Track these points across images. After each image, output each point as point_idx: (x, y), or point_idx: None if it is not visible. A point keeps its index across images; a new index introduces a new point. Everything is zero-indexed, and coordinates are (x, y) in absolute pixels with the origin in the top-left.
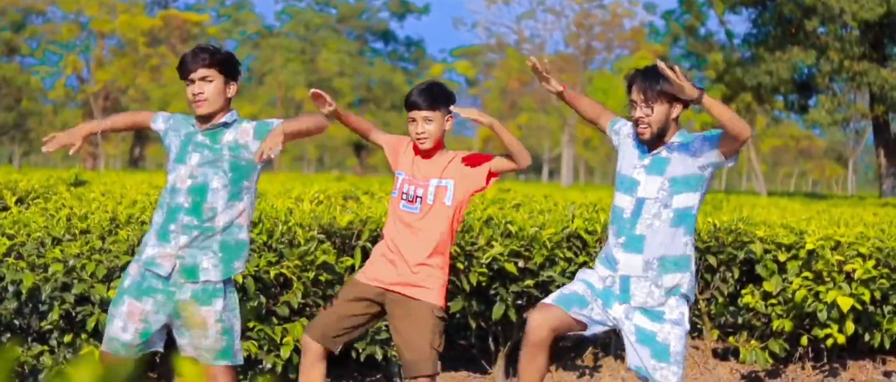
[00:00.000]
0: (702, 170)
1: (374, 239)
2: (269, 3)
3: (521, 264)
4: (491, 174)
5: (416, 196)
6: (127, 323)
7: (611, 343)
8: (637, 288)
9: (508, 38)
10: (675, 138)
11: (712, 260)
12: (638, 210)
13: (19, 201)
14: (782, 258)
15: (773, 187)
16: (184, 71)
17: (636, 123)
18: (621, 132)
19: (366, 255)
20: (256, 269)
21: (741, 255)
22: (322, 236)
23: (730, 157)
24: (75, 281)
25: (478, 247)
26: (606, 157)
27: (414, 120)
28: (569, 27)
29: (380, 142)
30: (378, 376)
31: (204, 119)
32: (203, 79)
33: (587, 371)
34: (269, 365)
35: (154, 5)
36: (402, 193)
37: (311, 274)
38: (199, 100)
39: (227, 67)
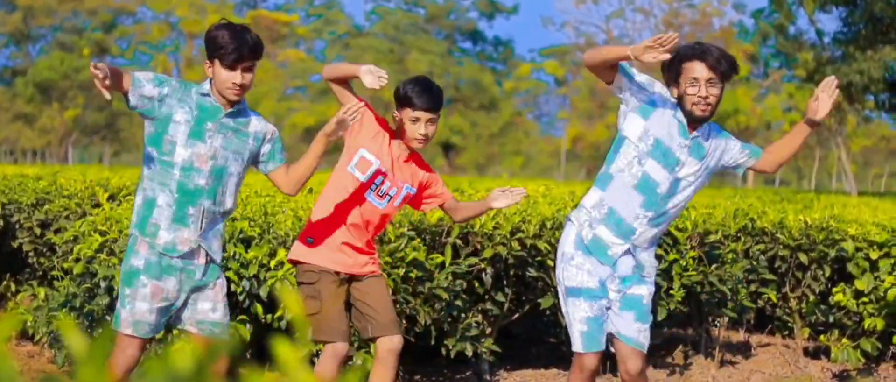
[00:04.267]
0: (720, 165)
1: (464, 236)
2: (358, 3)
3: None
4: (428, 200)
5: (387, 194)
6: (152, 305)
7: (701, 341)
8: (641, 256)
9: (597, 37)
10: (707, 127)
11: (803, 258)
12: (674, 189)
13: (111, 197)
14: (874, 256)
15: (863, 188)
16: (227, 55)
17: (691, 102)
18: (655, 88)
19: (455, 252)
20: None
21: (832, 253)
22: (412, 233)
23: (746, 169)
24: None
25: None
26: None
27: (418, 120)
28: (657, 27)
29: (351, 98)
30: (468, 373)
31: (230, 101)
32: (247, 69)
33: (677, 369)
34: (359, 362)
35: (243, 6)
36: (374, 183)
37: (401, 271)
38: (240, 90)
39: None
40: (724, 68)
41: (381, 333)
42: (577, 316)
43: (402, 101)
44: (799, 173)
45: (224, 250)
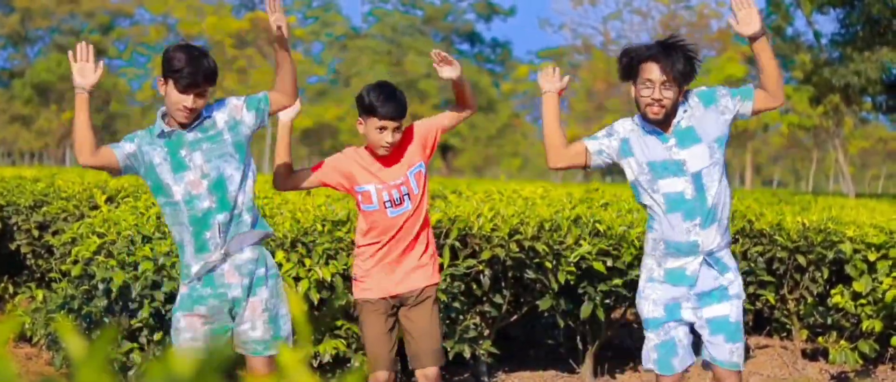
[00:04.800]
0: (728, 125)
1: (462, 238)
2: (355, 4)
3: (609, 263)
4: (443, 131)
5: (403, 196)
6: (195, 334)
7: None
8: (717, 257)
9: (595, 39)
10: (688, 102)
11: (802, 260)
12: (699, 184)
13: (109, 199)
14: (872, 257)
15: (860, 190)
16: (182, 79)
17: (644, 104)
18: (619, 134)
19: (454, 254)
20: (345, 267)
21: (831, 255)
22: None
23: (756, 113)
24: (165, 279)
25: (566, 246)
26: None
27: (384, 128)
28: (655, 28)
29: (317, 181)
30: (466, 375)
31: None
32: (201, 95)
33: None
34: (357, 364)
35: (241, 7)
36: (385, 202)
37: None
38: (188, 113)
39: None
40: (680, 70)
41: (416, 364)
42: (649, 344)
43: (367, 110)
44: (796, 174)
45: (259, 250)
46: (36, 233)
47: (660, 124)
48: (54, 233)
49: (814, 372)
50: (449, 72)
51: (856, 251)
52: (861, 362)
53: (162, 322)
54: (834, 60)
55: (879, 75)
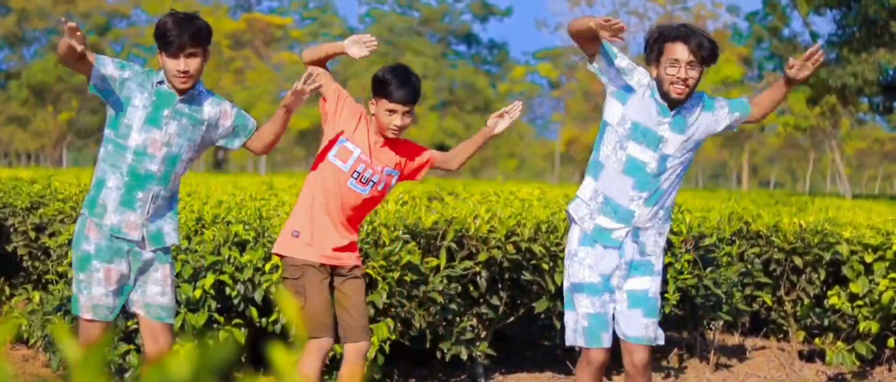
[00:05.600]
0: (713, 133)
1: (459, 240)
2: (352, 5)
3: None
4: (423, 166)
5: (370, 180)
6: (107, 288)
7: (696, 344)
8: (646, 237)
9: None
10: (695, 103)
11: (798, 261)
12: (662, 166)
13: None
14: (869, 259)
15: (857, 190)
16: (169, 44)
17: (669, 82)
18: (634, 76)
19: (450, 255)
20: None
21: (827, 256)
22: (407, 237)
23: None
24: None
25: (563, 248)
26: None
27: (394, 111)
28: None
29: (335, 89)
30: (463, 376)
31: (181, 89)
32: (191, 55)
33: (672, 372)
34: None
35: (238, 8)
36: (355, 171)
37: (396, 274)
38: (185, 77)
39: (210, 40)
40: (706, 52)
41: (350, 338)
42: (579, 312)
43: (380, 90)
44: (793, 175)
45: (178, 233)
46: (32, 235)
47: (673, 102)
48: (51, 235)
49: (810, 374)
50: (502, 125)
51: (852, 253)
52: (858, 363)
53: None
54: (831, 61)
55: (876, 76)
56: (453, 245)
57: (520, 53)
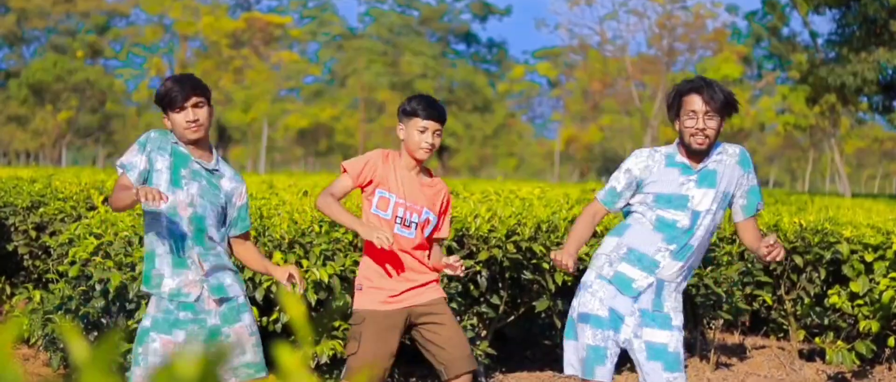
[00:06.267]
0: (732, 197)
1: (460, 239)
2: (352, 5)
3: None
4: (445, 212)
5: (412, 222)
6: (165, 360)
7: (696, 343)
8: (667, 292)
9: (591, 39)
10: (726, 150)
11: (798, 260)
12: (694, 222)
13: (106, 200)
14: (869, 258)
15: (856, 189)
16: (174, 100)
17: (689, 134)
18: (638, 168)
19: (451, 254)
20: (342, 268)
21: (828, 255)
22: None
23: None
24: None
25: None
26: None
27: (426, 129)
28: (651, 29)
29: (351, 183)
30: None
31: (194, 144)
32: (196, 105)
33: None
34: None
35: (237, 8)
36: (397, 216)
37: None
38: (196, 126)
39: (210, 96)
40: (720, 102)
41: (452, 371)
42: (580, 341)
43: (409, 114)
44: (792, 175)
45: (242, 286)
46: (33, 234)
47: (696, 156)
48: (51, 234)
49: (811, 373)
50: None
51: (853, 252)
52: (858, 362)
53: None
54: (830, 61)
55: (875, 76)
56: (454, 244)
57: (519, 52)
